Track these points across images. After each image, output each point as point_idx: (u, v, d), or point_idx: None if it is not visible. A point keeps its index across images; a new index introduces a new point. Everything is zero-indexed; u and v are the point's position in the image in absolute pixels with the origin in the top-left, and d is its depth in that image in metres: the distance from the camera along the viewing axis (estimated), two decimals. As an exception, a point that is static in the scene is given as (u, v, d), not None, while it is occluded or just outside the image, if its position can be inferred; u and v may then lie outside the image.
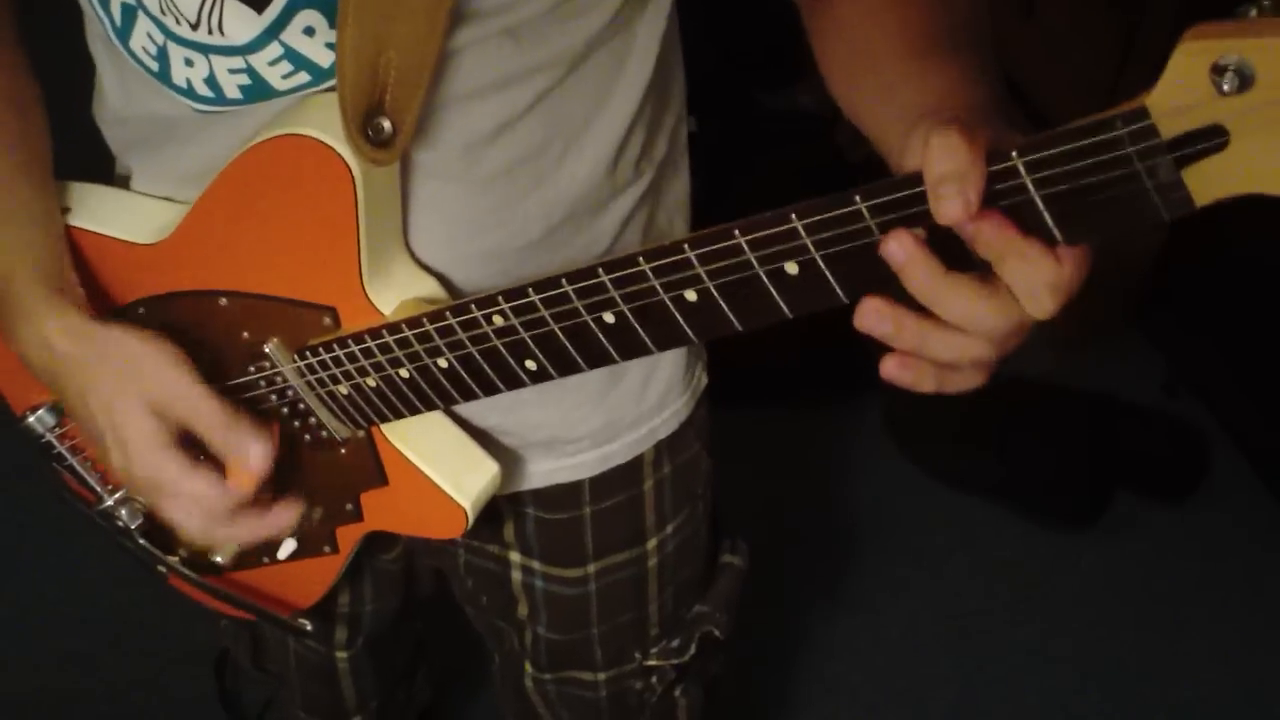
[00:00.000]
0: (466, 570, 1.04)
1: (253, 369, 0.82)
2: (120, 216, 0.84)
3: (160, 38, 0.72)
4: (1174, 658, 1.86)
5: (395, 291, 0.77)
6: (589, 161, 0.79)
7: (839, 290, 0.60)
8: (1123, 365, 2.19)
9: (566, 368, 0.72)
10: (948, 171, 0.54)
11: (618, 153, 0.80)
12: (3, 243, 0.80)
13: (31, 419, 0.90)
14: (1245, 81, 0.47)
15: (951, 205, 0.54)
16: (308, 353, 0.79)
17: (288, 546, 0.92)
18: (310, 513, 0.89)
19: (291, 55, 0.70)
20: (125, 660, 1.86)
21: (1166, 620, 1.90)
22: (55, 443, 0.92)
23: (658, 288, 0.64)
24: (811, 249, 0.59)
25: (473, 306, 0.71)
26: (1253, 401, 2.08)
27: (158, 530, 0.95)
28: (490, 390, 0.76)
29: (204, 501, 0.78)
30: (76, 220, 0.84)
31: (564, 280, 0.67)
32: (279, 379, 0.81)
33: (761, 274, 0.61)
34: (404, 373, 0.77)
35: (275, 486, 0.82)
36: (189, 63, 0.73)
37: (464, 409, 0.84)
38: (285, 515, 0.82)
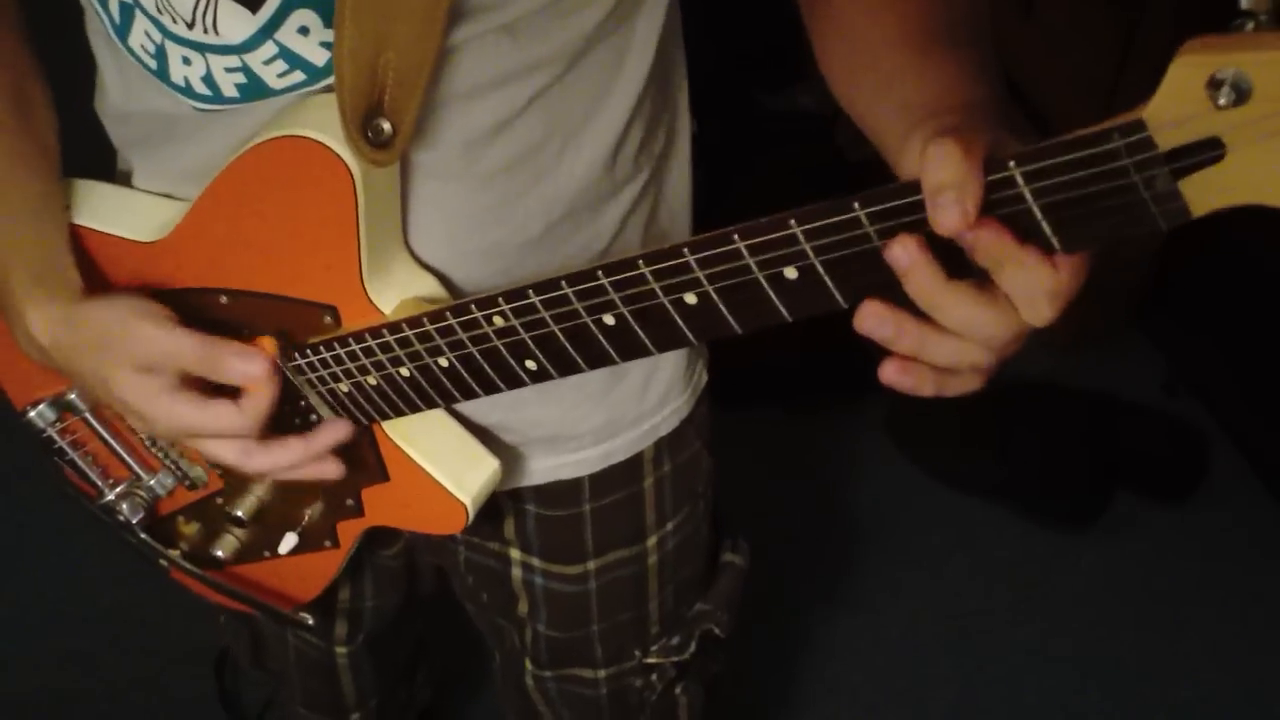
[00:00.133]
0: (467, 567, 1.04)
1: (253, 366, 0.82)
2: (121, 214, 0.84)
3: (158, 36, 0.73)
4: (1174, 658, 1.86)
5: (395, 290, 0.77)
6: (588, 157, 0.79)
7: (838, 295, 0.60)
8: (1123, 365, 2.19)
9: (566, 368, 0.72)
10: (945, 181, 0.54)
11: (617, 148, 0.80)
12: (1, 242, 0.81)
13: (32, 414, 0.91)
14: (1242, 95, 0.47)
15: (949, 215, 0.54)
16: (308, 351, 0.79)
17: (289, 541, 0.92)
18: (311, 507, 0.89)
19: (286, 54, 0.70)
20: (125, 660, 1.86)
21: (1166, 620, 1.91)
22: (56, 437, 0.92)
23: (657, 290, 0.64)
24: (810, 254, 0.59)
25: (473, 307, 0.71)
26: (1252, 401, 2.08)
27: (159, 524, 0.95)
28: (491, 389, 0.76)
29: (230, 428, 0.79)
30: (77, 218, 0.84)
31: (564, 282, 0.67)
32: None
33: (761, 278, 0.61)
34: (404, 371, 0.77)
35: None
36: (186, 61, 0.73)
37: (465, 406, 0.84)
38: (325, 435, 0.82)
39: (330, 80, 0.68)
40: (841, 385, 2.05)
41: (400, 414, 0.81)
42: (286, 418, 0.83)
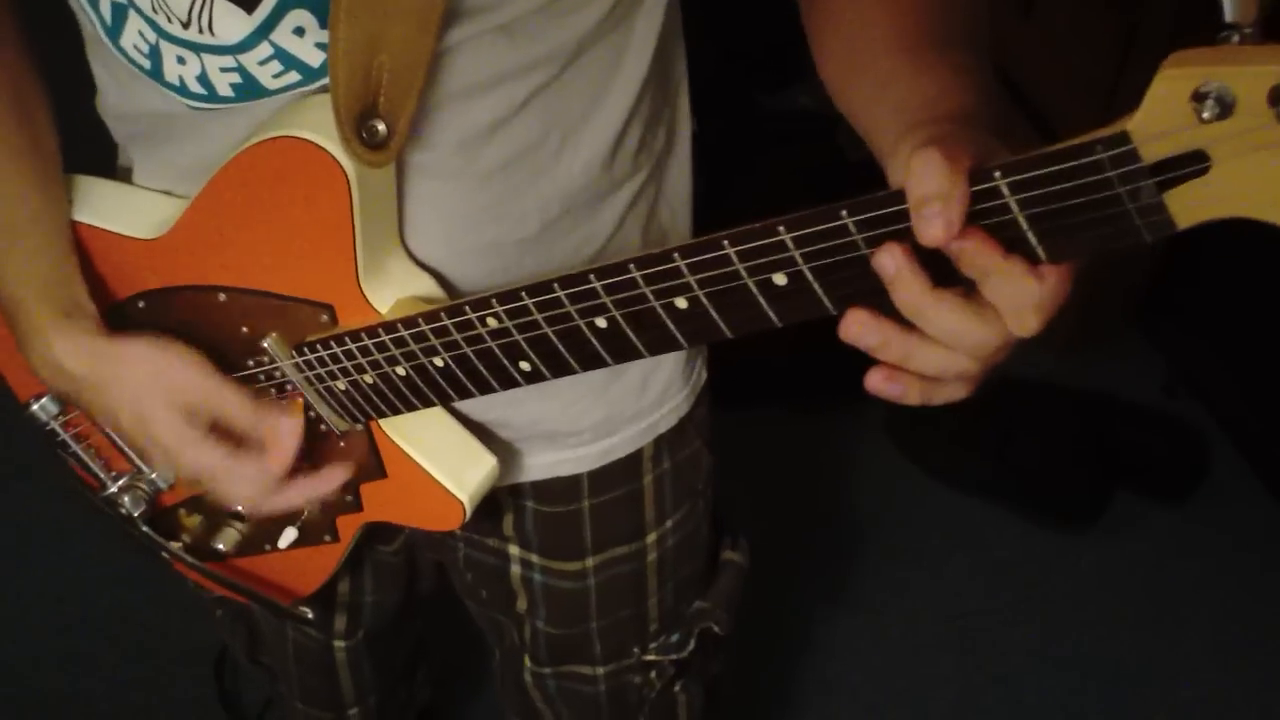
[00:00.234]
0: (466, 564, 1.04)
1: (251, 363, 0.83)
2: (120, 211, 0.85)
3: (152, 36, 0.73)
4: (1174, 658, 1.86)
5: (392, 289, 0.77)
6: (586, 156, 0.79)
7: (827, 301, 0.61)
8: (1123, 365, 2.19)
9: (560, 369, 0.72)
10: (930, 193, 0.54)
11: (615, 146, 0.80)
12: (12, 266, 0.82)
13: (35, 407, 0.91)
14: (1226, 109, 0.47)
15: (933, 226, 0.54)
16: (305, 349, 0.79)
17: (289, 535, 0.93)
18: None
19: (281, 55, 0.70)
20: (125, 660, 1.86)
21: (1166, 620, 1.90)
22: (59, 430, 0.93)
23: (648, 294, 0.65)
24: (799, 261, 0.59)
25: (467, 308, 0.71)
26: (1252, 402, 2.08)
27: (161, 517, 0.96)
28: (486, 389, 0.76)
29: (254, 481, 0.82)
30: (77, 214, 0.85)
31: (556, 284, 0.67)
32: (278, 374, 0.82)
33: (750, 284, 0.61)
34: (400, 371, 0.77)
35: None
36: (181, 60, 0.73)
37: (463, 403, 0.84)
38: (334, 474, 0.84)
39: (326, 81, 0.68)
40: (842, 385, 2.04)
41: (398, 412, 0.81)
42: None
